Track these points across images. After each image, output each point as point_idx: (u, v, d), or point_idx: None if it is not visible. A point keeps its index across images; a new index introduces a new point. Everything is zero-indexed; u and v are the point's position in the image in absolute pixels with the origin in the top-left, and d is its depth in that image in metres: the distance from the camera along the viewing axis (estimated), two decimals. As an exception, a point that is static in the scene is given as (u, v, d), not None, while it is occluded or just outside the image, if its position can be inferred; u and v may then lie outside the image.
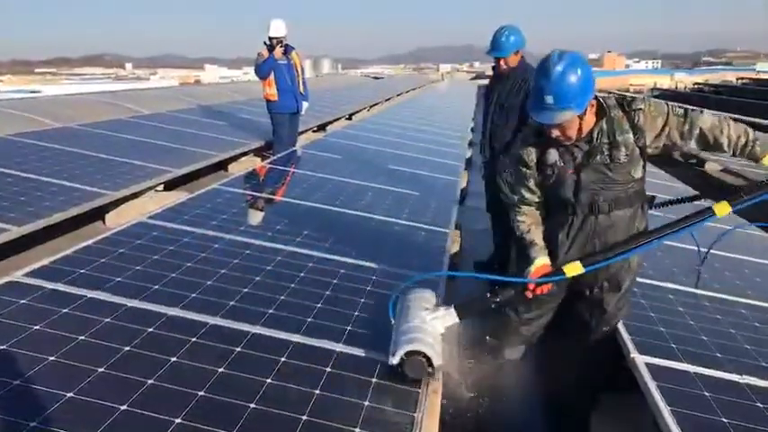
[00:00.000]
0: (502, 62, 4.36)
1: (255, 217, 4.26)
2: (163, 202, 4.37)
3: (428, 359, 2.20)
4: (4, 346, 2.09)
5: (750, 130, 2.37)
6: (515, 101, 4.31)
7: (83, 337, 2.22)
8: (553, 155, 2.45)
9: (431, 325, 2.40)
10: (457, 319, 2.46)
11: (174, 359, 2.17)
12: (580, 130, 2.36)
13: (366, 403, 2.09)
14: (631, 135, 2.37)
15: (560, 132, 2.35)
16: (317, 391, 2.11)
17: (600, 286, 2.59)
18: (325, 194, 4.89)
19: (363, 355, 2.40)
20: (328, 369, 2.26)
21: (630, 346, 2.62)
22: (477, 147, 8.48)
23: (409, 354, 2.20)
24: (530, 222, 2.58)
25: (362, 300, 2.90)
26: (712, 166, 10.69)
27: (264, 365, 2.21)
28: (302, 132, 9.17)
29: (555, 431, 2.91)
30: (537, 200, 2.59)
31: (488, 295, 2.50)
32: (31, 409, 1.78)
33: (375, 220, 4.36)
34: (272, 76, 7.24)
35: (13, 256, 3.92)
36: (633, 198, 2.48)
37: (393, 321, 2.46)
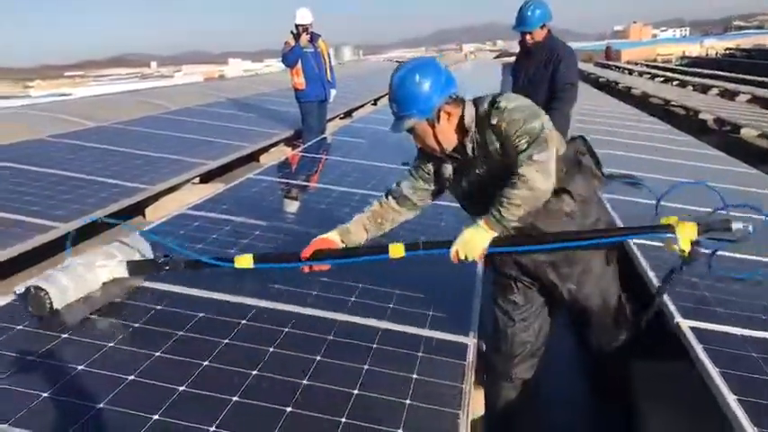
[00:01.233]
0: (528, 37, 4.34)
1: (291, 204, 4.34)
2: (200, 194, 4.47)
3: (51, 299, 2.28)
4: (66, 335, 2.18)
5: (517, 194, 2.04)
6: (544, 75, 4.30)
7: (137, 325, 2.31)
8: (448, 169, 2.32)
9: (93, 270, 2.51)
10: (126, 274, 2.58)
11: (226, 341, 2.24)
12: (452, 139, 2.20)
13: (414, 376, 2.14)
14: (497, 145, 2.15)
15: (418, 142, 2.27)
16: (366, 366, 2.16)
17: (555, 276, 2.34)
18: (357, 179, 4.94)
19: (409, 331, 2.45)
20: (375, 345, 2.32)
21: (674, 309, 2.61)
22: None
23: (36, 288, 2.29)
24: (374, 209, 2.41)
25: (402, 279, 2.95)
26: (748, 132, 10.47)
27: (313, 343, 2.28)
28: (330, 120, 9.23)
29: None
30: (409, 197, 2.39)
31: (162, 259, 2.55)
32: (94, 393, 1.87)
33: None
34: (299, 65, 7.29)
35: (61, 252, 4.04)
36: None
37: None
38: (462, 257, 2.14)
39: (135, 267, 2.61)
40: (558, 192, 2.18)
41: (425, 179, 2.39)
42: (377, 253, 2.31)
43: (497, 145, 2.14)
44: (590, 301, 2.40)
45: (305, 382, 2.03)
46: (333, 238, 2.36)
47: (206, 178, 5.94)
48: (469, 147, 2.21)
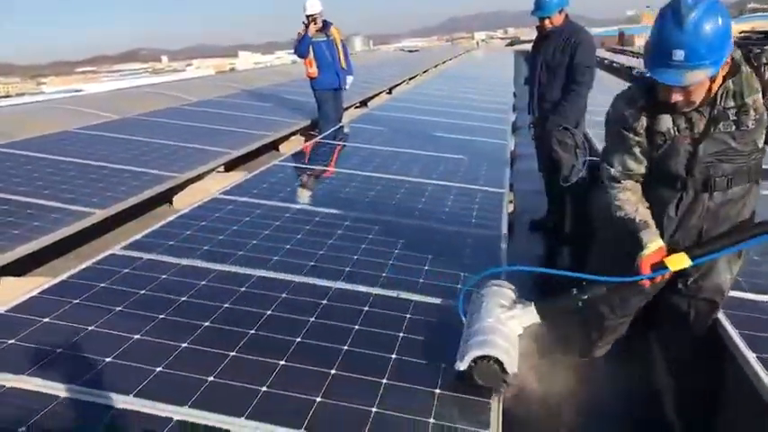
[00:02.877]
0: (546, 22, 4.42)
1: (317, 189, 4.47)
2: (225, 182, 4.60)
3: (500, 365, 1.93)
4: (120, 308, 2.33)
5: None
6: (562, 59, 4.38)
7: (185, 298, 2.45)
8: (666, 121, 2.03)
9: (507, 325, 2.11)
10: (537, 319, 2.15)
11: (269, 312, 2.38)
12: (709, 92, 1.93)
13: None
14: (760, 95, 1.94)
15: (684, 97, 1.92)
16: (401, 334, 2.30)
17: (698, 277, 2.22)
18: (378, 165, 5.05)
19: (439, 302, 2.58)
20: (408, 315, 2.45)
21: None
22: (520, 112, 8.51)
23: (479, 359, 1.94)
24: (635, 200, 2.16)
25: (430, 255, 3.07)
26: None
27: (350, 315, 2.41)
28: (346, 109, 9.35)
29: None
30: (642, 171, 2.17)
31: (575, 292, 2.16)
32: (151, 359, 2.02)
33: (432, 184, 4.51)
34: (311, 54, 7.37)
35: (98, 237, 4.21)
36: (753, 171, 2.08)
37: (464, 319, 2.21)
38: None
39: (546, 307, 2.18)
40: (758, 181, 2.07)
41: (642, 146, 2.12)
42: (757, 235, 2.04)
43: (760, 94, 1.92)
44: (706, 293, 2.24)
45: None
46: (660, 244, 2.10)
47: (229, 167, 6.08)
48: (720, 96, 1.95)
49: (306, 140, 7.42)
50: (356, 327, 2.33)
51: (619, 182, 2.18)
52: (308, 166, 5.09)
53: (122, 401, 1.78)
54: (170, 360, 2.01)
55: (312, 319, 2.36)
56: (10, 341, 2.05)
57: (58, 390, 1.81)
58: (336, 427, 1.77)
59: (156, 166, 5.16)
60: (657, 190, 2.17)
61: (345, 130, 6.90)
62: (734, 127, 1.97)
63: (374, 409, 1.85)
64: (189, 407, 1.78)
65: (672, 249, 2.11)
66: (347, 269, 2.84)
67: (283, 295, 2.53)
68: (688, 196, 2.11)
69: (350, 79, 7.76)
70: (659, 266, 2.07)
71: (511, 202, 4.56)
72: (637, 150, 2.13)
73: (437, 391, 1.97)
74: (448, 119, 7.85)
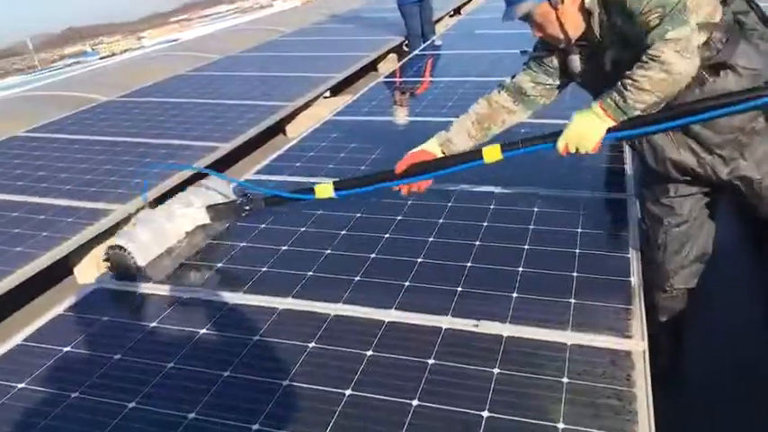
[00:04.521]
0: None
1: (427, 99, 4.48)
2: (332, 106, 4.74)
3: (132, 255, 2.22)
4: (265, 225, 2.54)
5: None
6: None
7: (321, 211, 2.63)
8: (575, 61, 1.92)
9: (174, 220, 2.41)
10: (208, 220, 2.48)
11: (398, 218, 2.51)
12: (578, 24, 1.81)
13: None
14: (625, 24, 1.75)
15: (539, 32, 1.87)
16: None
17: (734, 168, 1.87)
18: (486, 68, 4.99)
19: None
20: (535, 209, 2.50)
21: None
22: None
23: (115, 247, 2.23)
24: (478, 111, 2.08)
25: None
26: None
27: (476, 213, 2.50)
28: (439, 20, 9.15)
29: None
30: (528, 87, 2.04)
31: (239, 201, 2.43)
32: (302, 264, 2.21)
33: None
34: None
35: (230, 167, 4.50)
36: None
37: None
38: (573, 150, 1.82)
39: (216, 212, 2.51)
40: (717, 67, 1.73)
41: (549, 73, 2.02)
42: (470, 160, 2.00)
43: (625, 24, 1.74)
44: None
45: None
46: (431, 150, 2.07)
47: (335, 91, 6.22)
48: (596, 30, 1.81)
49: (399, 58, 7.39)
50: (484, 223, 2.42)
51: (498, 88, 2.09)
52: (411, 79, 5.13)
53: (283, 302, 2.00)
54: (319, 263, 2.20)
55: (440, 220, 2.47)
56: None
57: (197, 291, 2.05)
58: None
59: (267, 98, 5.36)
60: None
61: (438, 42, 6.80)
62: (616, 53, 1.81)
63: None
64: (342, 302, 1.97)
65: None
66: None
67: (409, 201, 2.65)
68: None
69: None
70: (470, 157, 1.99)
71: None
72: (540, 71, 2.02)
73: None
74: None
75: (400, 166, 2.07)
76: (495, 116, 2.07)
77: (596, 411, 1.45)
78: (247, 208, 2.40)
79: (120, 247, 2.22)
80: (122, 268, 2.22)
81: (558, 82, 2.03)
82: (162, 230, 2.37)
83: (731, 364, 2.29)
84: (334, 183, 2.21)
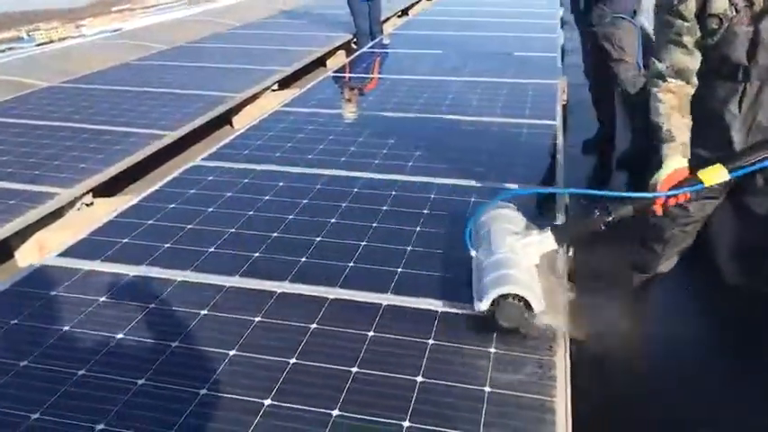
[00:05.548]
0: None
1: (374, 95, 4.60)
2: (280, 99, 4.79)
3: (526, 302, 1.71)
4: (212, 209, 2.61)
5: None
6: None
7: (268, 197, 2.71)
8: (720, 2, 1.72)
9: (523, 255, 1.86)
10: (555, 245, 1.89)
11: (344, 204, 2.62)
12: None
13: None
14: None
15: None
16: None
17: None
18: (426, 69, 5.14)
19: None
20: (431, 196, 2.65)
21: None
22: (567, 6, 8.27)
23: (501, 298, 1.72)
24: (672, 104, 1.86)
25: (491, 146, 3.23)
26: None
27: (417, 202, 2.63)
28: (387, 20, 9.28)
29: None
30: (694, 66, 1.86)
31: (596, 213, 1.87)
32: (248, 246, 2.29)
33: (484, 82, 4.60)
34: None
35: (174, 157, 4.49)
36: None
37: (473, 253, 1.97)
38: None
39: (563, 232, 1.91)
40: None
41: (693, 34, 1.80)
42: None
43: None
44: None
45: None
46: (681, 165, 1.83)
47: (283, 85, 6.26)
48: None
49: (348, 55, 7.49)
50: (425, 210, 2.55)
51: (664, 80, 1.88)
52: (361, 76, 5.24)
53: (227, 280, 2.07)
54: (265, 246, 2.29)
55: (385, 207, 2.59)
56: (125, 240, 2.36)
57: (175, 275, 2.11)
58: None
59: (215, 88, 5.37)
60: (715, 85, 1.86)
61: (386, 41, 6.93)
62: None
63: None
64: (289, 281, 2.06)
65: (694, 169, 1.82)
66: (409, 164, 3.04)
67: (355, 190, 2.75)
68: (752, 88, 1.79)
69: None
70: (690, 183, 1.79)
71: (564, 91, 4.53)
72: (687, 40, 1.81)
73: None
74: (496, 17, 7.78)
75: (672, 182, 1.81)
76: (684, 103, 1.89)
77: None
78: (609, 219, 1.86)
79: (517, 296, 1.71)
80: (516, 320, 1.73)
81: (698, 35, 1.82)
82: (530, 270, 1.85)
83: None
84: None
